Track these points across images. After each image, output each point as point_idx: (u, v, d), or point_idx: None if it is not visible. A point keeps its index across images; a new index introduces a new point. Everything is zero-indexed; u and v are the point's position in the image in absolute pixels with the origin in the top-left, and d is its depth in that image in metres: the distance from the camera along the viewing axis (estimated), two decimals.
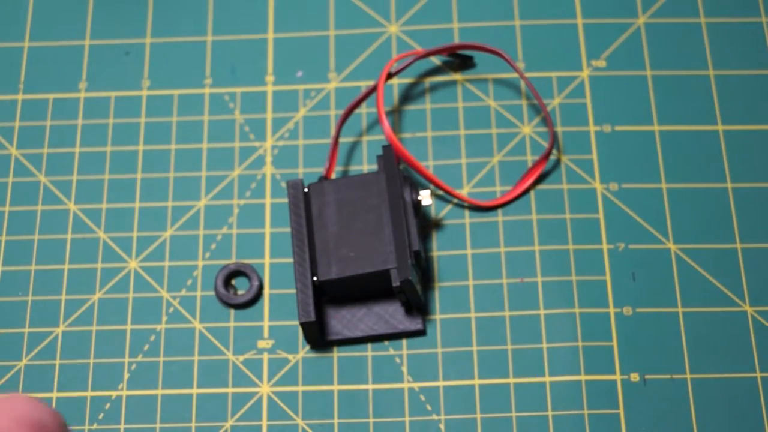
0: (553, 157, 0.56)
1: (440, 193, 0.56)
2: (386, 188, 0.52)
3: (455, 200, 0.56)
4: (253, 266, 0.54)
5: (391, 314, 0.53)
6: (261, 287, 0.54)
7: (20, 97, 0.59)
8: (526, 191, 0.56)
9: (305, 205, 0.52)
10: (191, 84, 0.59)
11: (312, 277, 0.51)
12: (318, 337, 0.52)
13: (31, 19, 0.61)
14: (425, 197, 0.53)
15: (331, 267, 0.51)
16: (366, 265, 0.51)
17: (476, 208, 0.56)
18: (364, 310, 0.53)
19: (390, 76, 0.55)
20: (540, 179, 0.56)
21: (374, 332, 0.52)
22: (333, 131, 0.56)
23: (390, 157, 0.52)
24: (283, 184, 0.56)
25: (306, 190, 0.53)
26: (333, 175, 0.55)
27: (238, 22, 0.60)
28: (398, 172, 0.52)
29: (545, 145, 0.57)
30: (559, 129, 0.57)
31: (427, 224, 0.55)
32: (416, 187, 0.53)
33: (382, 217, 0.51)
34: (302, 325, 0.50)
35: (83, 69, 0.59)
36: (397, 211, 0.51)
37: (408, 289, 0.50)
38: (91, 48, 0.60)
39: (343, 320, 0.53)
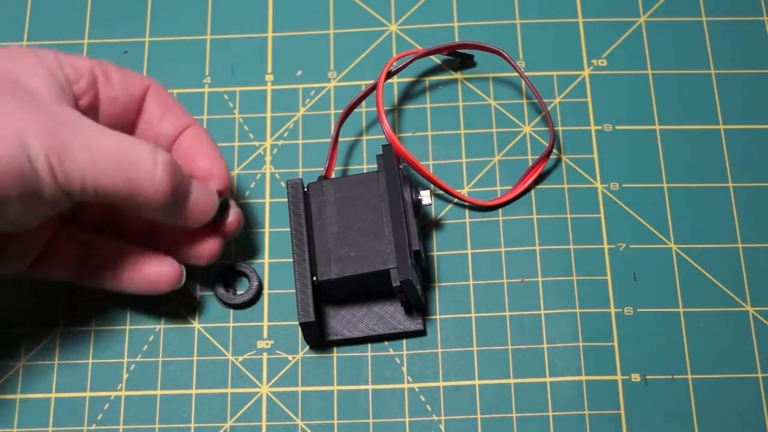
0: (553, 157, 0.56)
1: (440, 192, 0.56)
2: (386, 188, 0.52)
3: (455, 200, 0.56)
4: (252, 266, 0.54)
5: (391, 314, 0.53)
6: (260, 287, 0.54)
7: None
8: (527, 191, 0.56)
9: (305, 204, 0.52)
10: (190, 83, 0.59)
11: (312, 277, 0.51)
12: (318, 337, 0.51)
13: (29, 17, 0.60)
14: (425, 197, 0.53)
15: (331, 267, 0.51)
16: (366, 265, 0.50)
17: (476, 208, 0.55)
18: (364, 310, 0.53)
19: (390, 75, 0.55)
20: (540, 179, 0.56)
21: (374, 332, 0.52)
22: (332, 130, 0.56)
23: (390, 157, 0.52)
24: (283, 184, 0.56)
25: (305, 189, 0.53)
26: (333, 175, 0.55)
27: (237, 20, 0.60)
28: (398, 171, 0.52)
29: (546, 144, 0.56)
30: (559, 128, 0.57)
31: (427, 224, 0.55)
32: (416, 187, 0.53)
33: (382, 217, 0.51)
34: (302, 325, 0.50)
35: None
36: (397, 211, 0.51)
37: (408, 289, 0.50)
38: (89, 47, 0.60)
39: (342, 320, 0.53)
